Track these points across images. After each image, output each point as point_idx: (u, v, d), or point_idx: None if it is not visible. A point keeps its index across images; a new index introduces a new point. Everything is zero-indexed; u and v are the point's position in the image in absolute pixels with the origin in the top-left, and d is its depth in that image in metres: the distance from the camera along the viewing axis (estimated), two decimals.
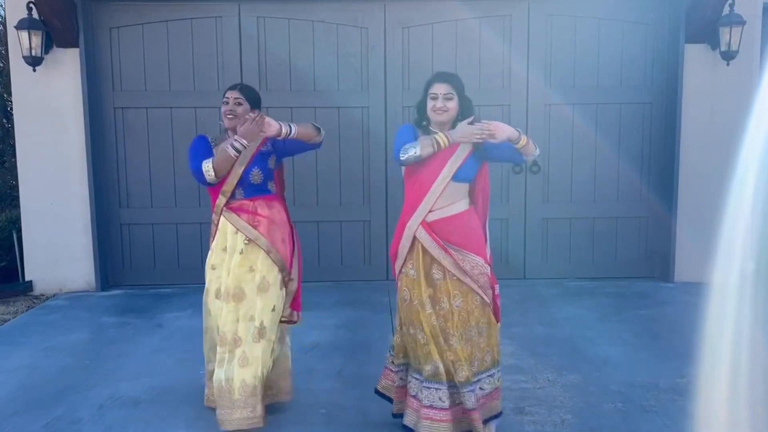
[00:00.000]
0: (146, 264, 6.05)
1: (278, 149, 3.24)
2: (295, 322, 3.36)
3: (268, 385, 3.19)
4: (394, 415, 3.11)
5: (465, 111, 2.97)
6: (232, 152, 2.99)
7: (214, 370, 3.14)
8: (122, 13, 5.79)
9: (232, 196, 3.11)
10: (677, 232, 5.90)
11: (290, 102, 5.90)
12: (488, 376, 2.95)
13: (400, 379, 3.06)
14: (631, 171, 6.07)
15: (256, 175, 3.12)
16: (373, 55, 5.91)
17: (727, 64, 5.67)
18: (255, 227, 3.09)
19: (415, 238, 2.91)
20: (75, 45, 5.59)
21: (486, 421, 2.93)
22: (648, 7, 5.90)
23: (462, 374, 2.83)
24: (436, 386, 2.84)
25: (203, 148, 3.16)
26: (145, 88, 5.87)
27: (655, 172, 6.07)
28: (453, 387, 2.86)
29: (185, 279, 5.89)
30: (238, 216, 3.10)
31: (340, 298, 5.54)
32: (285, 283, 3.18)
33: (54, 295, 5.78)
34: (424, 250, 2.89)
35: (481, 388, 2.91)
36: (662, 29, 5.92)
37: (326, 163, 5.97)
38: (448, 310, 2.86)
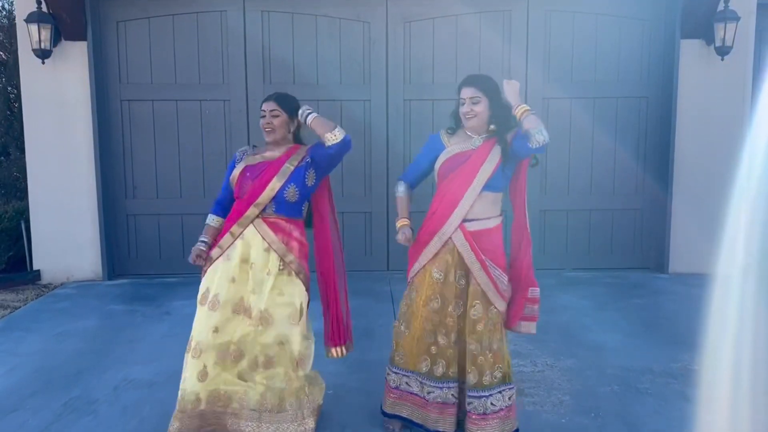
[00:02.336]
0: (152, 254, 6.16)
1: (317, 159, 3.02)
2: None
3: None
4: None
5: (497, 115, 2.92)
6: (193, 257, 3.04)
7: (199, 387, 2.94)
8: (129, 7, 5.89)
9: (264, 210, 2.96)
10: (672, 225, 6.05)
11: (293, 95, 5.97)
12: (498, 392, 2.90)
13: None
14: (627, 164, 6.21)
15: (291, 193, 2.95)
16: (375, 49, 6.02)
17: (722, 59, 5.79)
18: (290, 250, 2.96)
19: (449, 241, 2.88)
20: (83, 38, 5.69)
21: None
22: (645, 3, 6.02)
23: (473, 378, 2.87)
24: (448, 385, 2.92)
25: (229, 170, 3.11)
26: (151, 81, 5.97)
27: (651, 165, 6.21)
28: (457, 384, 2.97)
29: (190, 269, 5.88)
30: (274, 232, 2.95)
31: None
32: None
33: (62, 284, 5.90)
34: (458, 256, 2.89)
35: (492, 404, 2.87)
36: (658, 25, 6.05)
37: None
38: (461, 316, 2.90)
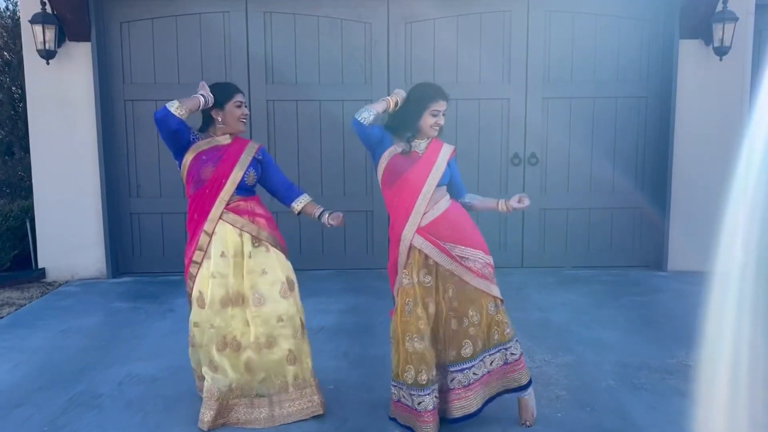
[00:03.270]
0: (155, 252, 6.23)
1: (264, 163, 3.24)
2: None
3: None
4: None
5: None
6: (203, 101, 2.99)
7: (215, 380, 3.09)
8: (132, 8, 5.95)
9: (228, 200, 3.09)
10: (670, 223, 6.09)
11: (296, 95, 6.08)
12: (480, 360, 2.99)
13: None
14: (626, 163, 6.25)
15: (251, 177, 3.13)
16: (376, 49, 6.07)
17: (720, 60, 5.83)
18: (260, 228, 3.11)
19: (412, 246, 2.94)
20: (87, 39, 5.75)
21: (509, 392, 3.06)
22: (644, 4, 6.06)
23: (453, 352, 2.95)
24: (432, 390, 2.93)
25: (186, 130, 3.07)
26: (154, 81, 6.03)
27: (650, 164, 6.25)
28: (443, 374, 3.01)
29: None
30: (240, 216, 3.09)
31: (344, 285, 5.71)
32: None
33: (66, 282, 5.96)
34: (421, 257, 2.94)
35: (474, 374, 2.97)
36: (657, 25, 6.09)
37: (330, 154, 6.15)
38: (441, 308, 2.96)
